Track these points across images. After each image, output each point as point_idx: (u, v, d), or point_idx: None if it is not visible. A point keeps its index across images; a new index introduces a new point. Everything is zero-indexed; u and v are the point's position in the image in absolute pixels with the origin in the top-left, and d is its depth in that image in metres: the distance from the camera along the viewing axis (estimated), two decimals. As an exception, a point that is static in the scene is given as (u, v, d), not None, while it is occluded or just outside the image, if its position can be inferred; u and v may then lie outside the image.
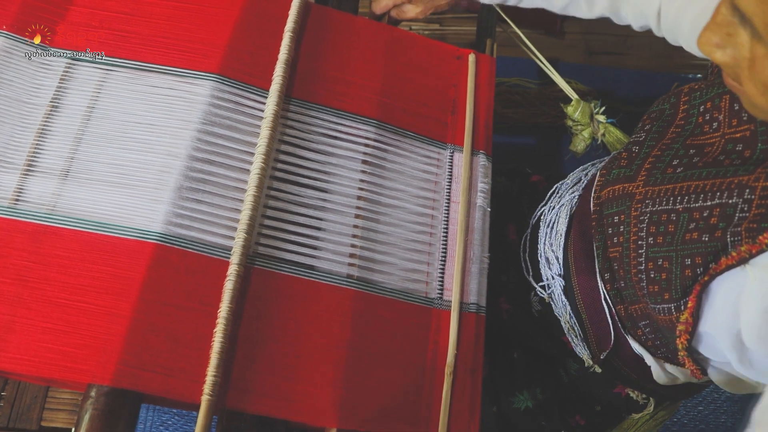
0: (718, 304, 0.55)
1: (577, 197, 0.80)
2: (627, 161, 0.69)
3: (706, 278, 0.54)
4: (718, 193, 0.55)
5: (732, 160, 0.57)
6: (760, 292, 0.51)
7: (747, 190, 0.52)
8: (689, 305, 0.56)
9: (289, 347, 0.63)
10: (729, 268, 0.53)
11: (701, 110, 0.64)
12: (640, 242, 0.61)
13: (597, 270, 0.71)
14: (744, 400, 1.29)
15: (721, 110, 0.61)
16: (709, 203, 0.55)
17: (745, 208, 0.52)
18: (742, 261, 0.51)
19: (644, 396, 0.79)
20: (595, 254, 0.71)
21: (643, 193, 0.63)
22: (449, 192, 0.76)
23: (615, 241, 0.66)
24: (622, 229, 0.64)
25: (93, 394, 0.58)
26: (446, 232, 0.74)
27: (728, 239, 0.52)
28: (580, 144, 1.23)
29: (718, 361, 0.62)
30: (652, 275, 0.59)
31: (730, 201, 0.53)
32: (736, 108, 0.59)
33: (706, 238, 0.54)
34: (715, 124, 0.61)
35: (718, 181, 0.56)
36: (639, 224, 0.62)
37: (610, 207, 0.67)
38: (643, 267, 0.61)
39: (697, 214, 0.56)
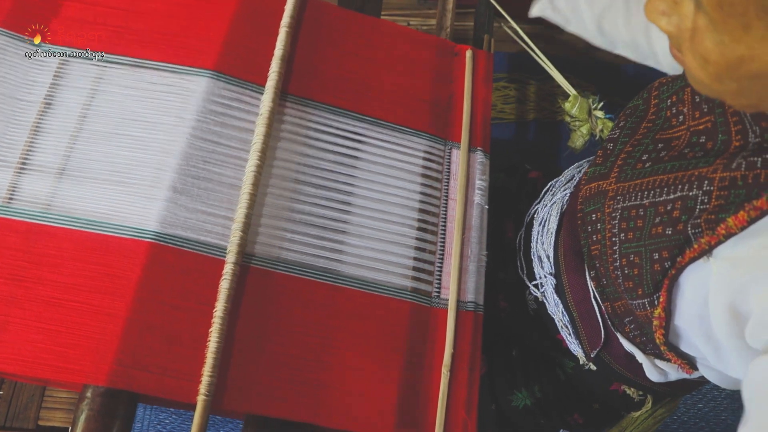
0: (688, 298, 0.55)
1: (568, 195, 0.80)
2: (602, 159, 0.69)
3: (673, 272, 0.54)
4: (680, 186, 0.55)
5: (695, 152, 0.57)
6: (723, 286, 0.51)
7: (706, 182, 0.52)
8: (661, 300, 0.56)
9: (286, 347, 0.63)
10: (692, 260, 0.53)
11: (668, 104, 0.64)
12: (614, 239, 0.62)
13: (586, 268, 0.71)
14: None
15: (685, 103, 0.61)
16: (672, 196, 0.55)
17: (705, 200, 0.52)
18: (704, 253, 0.51)
19: (641, 393, 0.78)
20: (583, 252, 0.71)
21: (615, 189, 0.63)
22: (447, 189, 0.75)
23: (594, 238, 0.66)
24: (599, 227, 0.65)
25: (89, 394, 0.58)
26: (444, 230, 0.73)
27: (689, 232, 0.52)
28: (578, 140, 1.22)
29: (698, 357, 0.61)
30: (626, 271, 0.60)
31: (691, 193, 0.53)
32: (697, 100, 0.59)
33: (670, 232, 0.54)
34: (681, 117, 0.61)
35: (680, 174, 0.56)
36: (612, 221, 0.62)
37: (589, 205, 0.67)
38: (618, 264, 0.61)
39: (661, 207, 0.56)
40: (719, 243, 0.50)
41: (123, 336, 0.58)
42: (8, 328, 0.57)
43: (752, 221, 0.48)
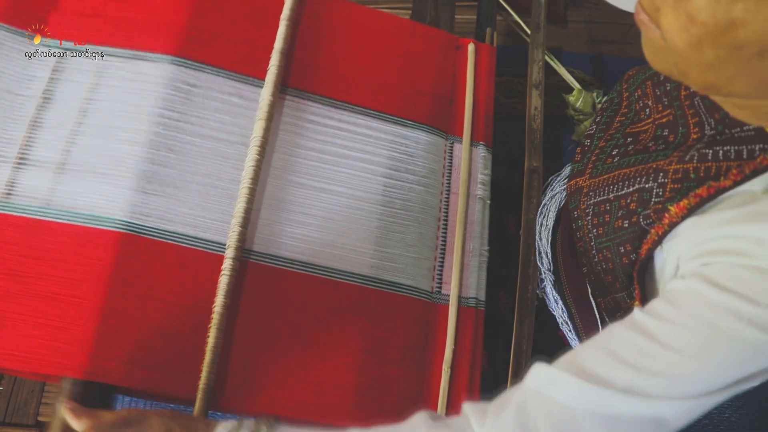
0: (659, 287, 0.54)
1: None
2: (580, 156, 0.68)
3: (638, 265, 0.54)
4: (638, 179, 0.54)
5: (658, 145, 0.56)
6: (669, 268, 0.50)
7: (661, 174, 0.52)
8: (636, 292, 0.56)
9: (285, 343, 0.62)
10: (650, 251, 0.52)
11: (636, 96, 0.63)
12: (590, 235, 0.61)
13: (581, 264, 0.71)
14: (749, 394, 1.28)
15: (649, 96, 0.60)
16: (631, 189, 0.55)
17: (660, 192, 0.51)
18: (656, 244, 0.51)
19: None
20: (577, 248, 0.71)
21: (588, 185, 0.63)
22: (449, 183, 0.74)
23: (578, 235, 0.66)
24: (580, 224, 0.64)
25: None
26: (445, 225, 0.72)
27: (642, 223, 0.52)
28: (582, 134, 1.21)
29: None
30: (604, 266, 0.59)
31: (647, 186, 0.53)
32: (658, 93, 0.59)
33: (626, 224, 0.54)
34: (647, 111, 0.61)
35: (641, 167, 0.55)
36: (586, 217, 0.62)
37: (571, 202, 0.67)
38: (596, 259, 0.60)
39: (623, 201, 0.56)
40: (666, 233, 0.50)
41: (123, 332, 0.58)
42: (6, 324, 0.57)
43: (692, 209, 0.47)
